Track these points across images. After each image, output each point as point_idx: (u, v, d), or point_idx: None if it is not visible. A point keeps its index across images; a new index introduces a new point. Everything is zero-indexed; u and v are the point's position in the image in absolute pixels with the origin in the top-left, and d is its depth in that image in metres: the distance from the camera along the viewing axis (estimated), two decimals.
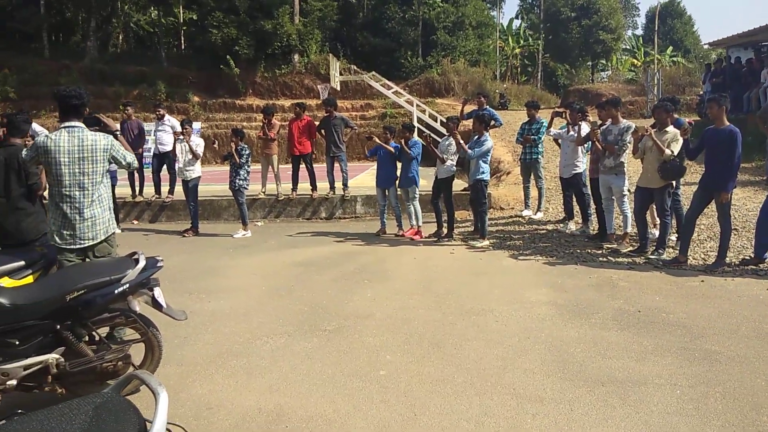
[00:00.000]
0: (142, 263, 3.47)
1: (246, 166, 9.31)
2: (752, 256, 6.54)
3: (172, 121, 10.68)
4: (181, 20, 31.29)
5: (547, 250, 7.63)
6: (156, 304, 3.57)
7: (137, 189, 10.81)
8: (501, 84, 30.37)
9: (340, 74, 22.88)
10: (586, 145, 8.10)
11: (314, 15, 26.35)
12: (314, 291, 6.05)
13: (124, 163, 4.25)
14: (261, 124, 10.88)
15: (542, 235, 8.43)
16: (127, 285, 3.31)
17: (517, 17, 41.22)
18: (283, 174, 10.83)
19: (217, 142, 9.97)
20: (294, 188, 10.68)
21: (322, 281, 6.45)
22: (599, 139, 7.49)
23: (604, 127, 7.69)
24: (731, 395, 3.58)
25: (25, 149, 4.27)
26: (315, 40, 26.53)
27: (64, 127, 3.98)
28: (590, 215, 8.30)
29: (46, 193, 4.35)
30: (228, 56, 24.13)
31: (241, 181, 9.30)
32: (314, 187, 10.64)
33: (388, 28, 28.03)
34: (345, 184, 10.59)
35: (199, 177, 9.55)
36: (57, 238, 3.96)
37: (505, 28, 37.35)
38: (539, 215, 9.52)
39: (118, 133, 4.48)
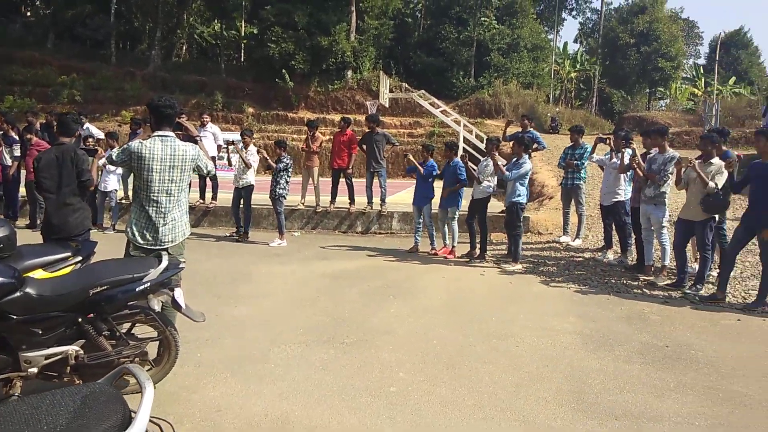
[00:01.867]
0: (164, 263, 3.60)
1: (286, 176, 9.52)
2: None
3: (213, 129, 11.07)
4: (242, 33, 32.44)
5: (581, 278, 7.46)
6: (175, 305, 3.70)
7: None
8: (554, 107, 30.00)
9: (391, 91, 23.13)
10: (629, 173, 7.92)
11: (370, 33, 26.81)
12: (339, 303, 6.12)
13: (204, 171, 4.42)
14: (305, 136, 11.11)
15: (578, 263, 8.25)
16: (149, 284, 3.45)
17: (575, 41, 40.85)
18: (324, 187, 11.02)
19: (264, 152, 10.23)
20: (332, 201, 10.84)
21: (348, 294, 6.51)
22: (642, 167, 7.31)
23: (650, 155, 7.51)
24: None
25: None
26: (369, 57, 26.97)
27: (158, 136, 4.12)
28: (630, 245, 8.08)
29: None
30: (284, 70, 24.81)
31: (280, 190, 9.51)
32: (352, 201, 10.76)
33: (442, 47, 28.22)
34: (383, 200, 10.66)
35: (252, 186, 9.85)
36: (139, 238, 4.08)
37: (562, 51, 36.94)
38: (578, 242, 9.33)
39: (198, 138, 4.66)
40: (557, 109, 29.41)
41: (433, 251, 8.86)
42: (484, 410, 3.73)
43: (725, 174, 6.38)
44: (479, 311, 5.98)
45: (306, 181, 11.01)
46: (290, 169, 9.64)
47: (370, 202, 10.78)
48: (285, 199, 9.63)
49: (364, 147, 10.64)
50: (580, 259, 8.51)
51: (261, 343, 4.89)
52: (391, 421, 3.59)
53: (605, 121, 29.10)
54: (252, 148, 9.86)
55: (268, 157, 9.45)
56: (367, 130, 10.77)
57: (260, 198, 10.20)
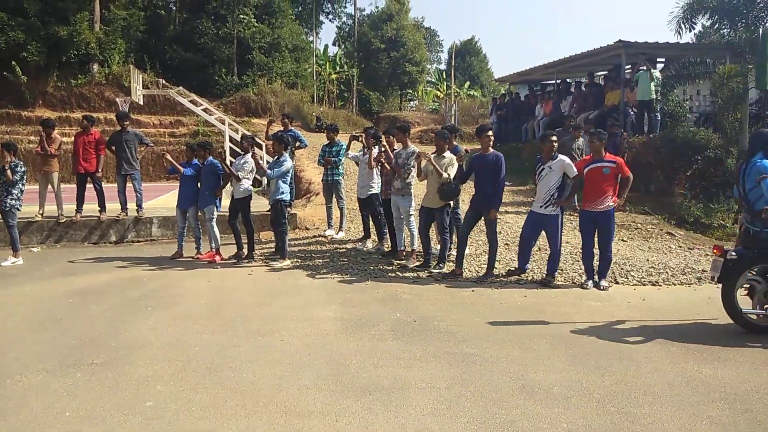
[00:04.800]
0: None
1: (20, 185, 8.30)
2: (516, 267, 7.42)
3: None
4: None
5: (344, 267, 7.88)
6: None
7: None
8: (318, 107, 30.99)
9: (146, 87, 21.54)
10: (379, 167, 8.58)
11: (118, 24, 24.57)
12: (87, 321, 5.54)
13: None
14: (39, 137, 9.76)
15: (341, 254, 8.70)
16: None
17: (334, 44, 42.69)
18: (67, 195, 9.83)
19: None
20: (78, 209, 9.72)
21: (97, 310, 5.93)
22: (390, 161, 7.99)
23: (395, 151, 8.23)
24: (479, 393, 3.98)
25: None
26: (118, 50, 24.70)
27: None
28: (385, 233, 8.77)
29: None
30: (14, 62, 21.47)
31: (13, 201, 8.26)
32: (102, 208, 9.78)
33: (201, 43, 27.14)
34: (139, 205, 9.91)
35: None
36: None
37: (322, 53, 38.35)
38: (341, 234, 9.83)
39: None
40: (321, 109, 30.46)
41: (198, 256, 8.53)
42: (246, 408, 3.73)
43: (456, 165, 7.31)
44: (244, 311, 5.94)
45: (44, 189, 9.69)
46: (24, 177, 8.41)
47: (124, 209, 9.93)
48: (19, 210, 8.38)
49: (114, 148, 9.76)
50: (344, 250, 8.97)
51: None
52: None
53: (365, 120, 30.95)
54: None
55: (5, 165, 8.07)
56: (118, 129, 9.90)
57: None
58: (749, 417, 3.64)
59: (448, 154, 7.40)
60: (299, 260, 8.33)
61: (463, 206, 8.27)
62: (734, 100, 12.08)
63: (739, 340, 5.06)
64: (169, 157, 8.60)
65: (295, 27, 32.03)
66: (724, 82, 11.93)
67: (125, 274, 7.61)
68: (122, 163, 9.68)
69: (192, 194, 8.58)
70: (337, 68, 37.63)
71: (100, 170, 9.78)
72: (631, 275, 7.36)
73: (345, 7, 41.51)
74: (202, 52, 27.15)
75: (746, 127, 11.72)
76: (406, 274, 7.45)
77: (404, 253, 8.08)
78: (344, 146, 9.39)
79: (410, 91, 36.13)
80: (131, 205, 9.95)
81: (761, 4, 12.04)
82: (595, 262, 7.05)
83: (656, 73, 13.16)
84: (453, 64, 36.12)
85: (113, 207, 9.96)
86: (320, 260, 8.36)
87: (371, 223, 9.04)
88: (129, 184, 9.85)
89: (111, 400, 3.87)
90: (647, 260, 8.02)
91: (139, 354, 4.70)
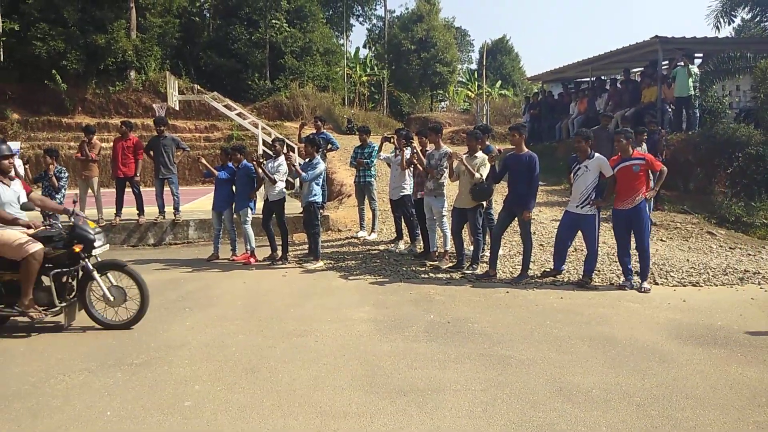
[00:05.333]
0: None
1: (63, 190, 8.58)
2: (552, 268, 7.31)
3: None
4: (0, 30, 28.11)
5: (376, 269, 7.90)
6: None
7: None
8: (349, 109, 31.17)
9: (181, 93, 21.99)
10: (412, 168, 8.56)
11: (154, 31, 25.17)
12: None
13: None
14: (81, 143, 10.06)
15: (374, 255, 8.71)
16: None
17: (364, 47, 42.87)
18: (107, 198, 10.11)
19: (29, 163, 9.01)
20: (118, 213, 9.98)
21: None
22: (422, 162, 7.97)
23: (428, 152, 8.20)
24: (516, 396, 3.93)
25: None
26: (154, 57, 25.31)
27: None
28: (417, 235, 8.75)
29: None
30: (54, 71, 22.16)
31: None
32: (141, 212, 10.03)
33: (234, 48, 27.60)
34: (176, 208, 10.12)
35: None
36: None
37: (353, 56, 38.55)
38: (373, 236, 9.85)
39: None
40: (352, 111, 30.62)
41: (234, 258, 8.66)
42: (282, 409, 3.77)
43: (488, 166, 7.24)
44: (279, 312, 6.00)
45: (84, 193, 9.97)
46: (67, 182, 8.70)
47: (162, 212, 10.15)
48: None
49: (152, 153, 9.99)
50: (376, 251, 8.98)
51: (33, 376, 4.35)
52: None
53: (396, 121, 31.00)
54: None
55: (51, 171, 8.38)
56: (155, 134, 10.13)
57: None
58: None
59: (480, 154, 7.34)
60: (332, 262, 8.38)
61: (496, 206, 8.19)
62: None
63: None
64: (204, 161, 8.77)
65: (326, 30, 32.25)
66: (766, 77, 11.55)
67: (164, 276, 7.77)
68: (160, 168, 9.90)
69: (227, 197, 8.72)
70: (368, 70, 37.76)
71: (138, 174, 10.03)
72: (671, 276, 7.17)
73: (375, 9, 41.70)
74: (235, 58, 27.59)
75: None
76: (439, 276, 7.42)
77: (437, 255, 8.05)
78: (376, 148, 9.41)
79: (441, 91, 36.02)
80: (169, 209, 10.17)
81: None
82: (635, 263, 6.90)
83: (694, 69, 12.83)
84: (484, 63, 35.86)
85: (151, 210, 10.19)
86: (353, 262, 8.39)
87: (403, 224, 9.03)
88: (166, 188, 10.06)
89: (150, 399, 3.95)
90: (687, 260, 7.81)
91: (177, 354, 4.80)
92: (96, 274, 5.36)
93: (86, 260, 5.35)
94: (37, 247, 5.17)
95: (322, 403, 3.85)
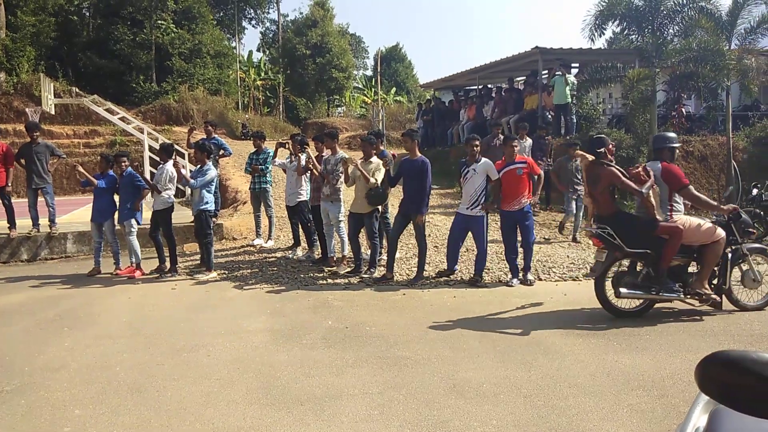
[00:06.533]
0: None
1: None
2: (446, 268, 7.54)
3: None
4: None
5: (273, 277, 7.75)
6: None
7: None
8: (243, 114, 30.37)
9: (58, 96, 20.38)
10: (307, 174, 8.50)
11: (26, 30, 23.17)
12: None
13: None
14: None
15: (271, 263, 8.55)
16: None
17: (258, 50, 42.02)
18: None
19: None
20: None
21: (9, 333, 5.54)
22: (318, 168, 7.93)
23: (324, 157, 8.18)
24: (412, 396, 4.00)
25: None
26: (27, 57, 23.28)
27: None
28: (315, 241, 8.69)
29: None
30: None
31: None
32: (12, 225, 9.16)
33: (117, 49, 26.03)
34: (52, 220, 9.34)
35: None
36: None
37: (246, 59, 37.67)
38: (270, 243, 9.66)
39: None
40: (247, 116, 29.87)
41: (117, 272, 8.14)
42: (171, 428, 3.58)
43: (383, 170, 7.36)
44: (168, 327, 5.71)
45: None
46: None
47: (36, 225, 9.33)
48: None
49: (23, 161, 9.17)
50: (273, 259, 8.82)
51: None
52: None
53: (293, 126, 30.58)
54: None
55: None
56: (27, 141, 9.32)
57: None
58: (665, 402, 3.85)
59: (374, 159, 7.44)
60: (227, 272, 8.12)
61: (392, 210, 8.33)
62: (643, 102, 12.85)
63: (655, 330, 5.36)
64: (81, 168, 8.17)
65: (216, 32, 31.28)
66: (634, 85, 12.67)
67: (39, 294, 7.15)
68: (33, 177, 9.10)
69: (107, 207, 8.19)
70: (263, 74, 37.05)
71: (9, 184, 9.17)
72: (553, 271, 7.65)
73: (268, 12, 40.94)
74: (118, 59, 26.07)
75: (655, 127, 12.50)
76: (338, 281, 7.42)
77: (335, 260, 8.04)
78: (271, 153, 9.26)
79: (337, 97, 36.14)
80: (43, 221, 9.36)
81: (664, 12, 12.89)
82: (520, 261, 7.29)
83: (571, 78, 13.82)
84: (379, 70, 36.38)
85: (24, 223, 9.34)
86: (249, 271, 8.18)
87: (300, 230, 8.95)
88: (41, 198, 9.27)
89: (24, 428, 3.61)
90: (567, 257, 8.37)
91: (55, 378, 4.42)
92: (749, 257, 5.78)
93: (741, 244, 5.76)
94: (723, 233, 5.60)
95: (215, 419, 3.70)
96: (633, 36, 14.39)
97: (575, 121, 13.88)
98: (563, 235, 9.85)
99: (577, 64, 16.46)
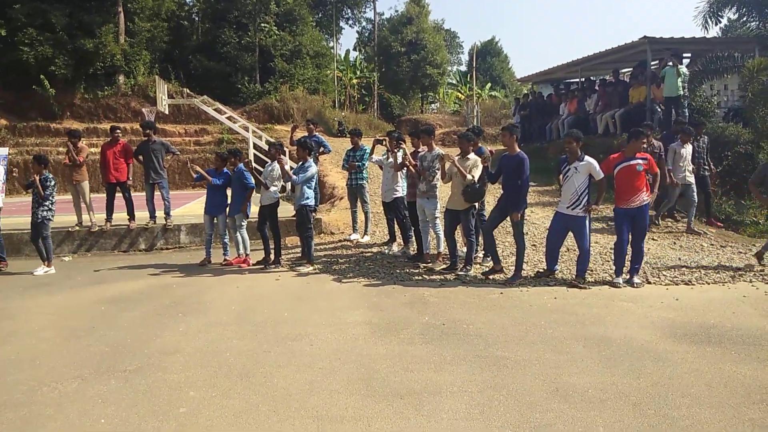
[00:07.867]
0: None
1: (51, 198, 8.51)
2: (545, 269, 7.33)
3: None
4: None
5: (370, 271, 7.88)
6: None
7: None
8: (339, 112, 31.11)
9: (171, 97, 21.88)
10: (404, 171, 8.55)
11: (142, 35, 25.04)
12: (119, 329, 5.62)
13: None
14: (66, 148, 9.97)
15: (367, 258, 8.69)
16: None
17: (354, 49, 42.84)
18: (96, 204, 10.03)
19: (17, 169, 8.90)
20: (109, 218, 9.90)
21: (129, 318, 6.02)
22: (414, 165, 7.96)
23: (420, 153, 8.19)
24: (513, 397, 3.93)
25: None
26: (143, 61, 25.16)
27: None
28: (410, 237, 8.74)
29: None
30: (42, 76, 21.98)
31: (45, 213, 8.47)
32: (132, 217, 9.96)
33: (224, 52, 27.50)
34: (167, 213, 10.05)
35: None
36: None
37: (343, 59, 38.50)
38: (366, 238, 9.82)
39: None
40: (343, 114, 30.57)
41: (226, 262, 8.62)
42: (278, 414, 3.74)
43: (480, 167, 7.25)
44: (273, 316, 5.97)
45: (77, 199, 9.90)
46: (55, 189, 8.63)
47: (153, 217, 10.09)
48: (51, 221, 8.60)
49: (141, 158, 9.93)
50: (369, 254, 8.96)
51: (25, 385, 4.30)
52: None
53: (387, 123, 30.96)
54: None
55: (36, 179, 8.36)
56: (144, 139, 10.07)
57: (24, 222, 8.97)
58: None
59: (472, 155, 7.35)
60: (325, 265, 8.35)
61: (489, 208, 8.20)
62: (764, 94, 11.78)
63: None
64: (197, 167, 8.72)
65: (315, 33, 32.19)
66: (754, 76, 11.66)
67: (155, 282, 7.72)
68: (150, 172, 9.83)
69: (220, 201, 8.69)
70: (358, 73, 37.73)
71: (130, 178, 9.97)
72: (663, 275, 7.21)
73: (365, 12, 41.63)
74: (224, 61, 27.51)
75: None
76: (433, 278, 7.41)
77: (430, 256, 8.04)
78: (368, 150, 9.40)
79: (431, 93, 36.06)
80: (159, 214, 10.10)
81: None
82: (628, 262, 6.94)
83: (683, 69, 12.92)
84: (474, 65, 35.93)
85: (142, 215, 10.12)
86: (346, 264, 8.37)
87: (396, 226, 9.02)
88: (157, 193, 10.00)
89: (145, 406, 3.92)
90: (679, 259, 7.86)
91: (171, 360, 4.76)
92: None
93: None
94: None
95: (319, 407, 3.83)
96: (753, 23, 13.23)
97: (687, 114, 12.96)
98: (761, 264, 7.57)
99: (689, 54, 15.37)
